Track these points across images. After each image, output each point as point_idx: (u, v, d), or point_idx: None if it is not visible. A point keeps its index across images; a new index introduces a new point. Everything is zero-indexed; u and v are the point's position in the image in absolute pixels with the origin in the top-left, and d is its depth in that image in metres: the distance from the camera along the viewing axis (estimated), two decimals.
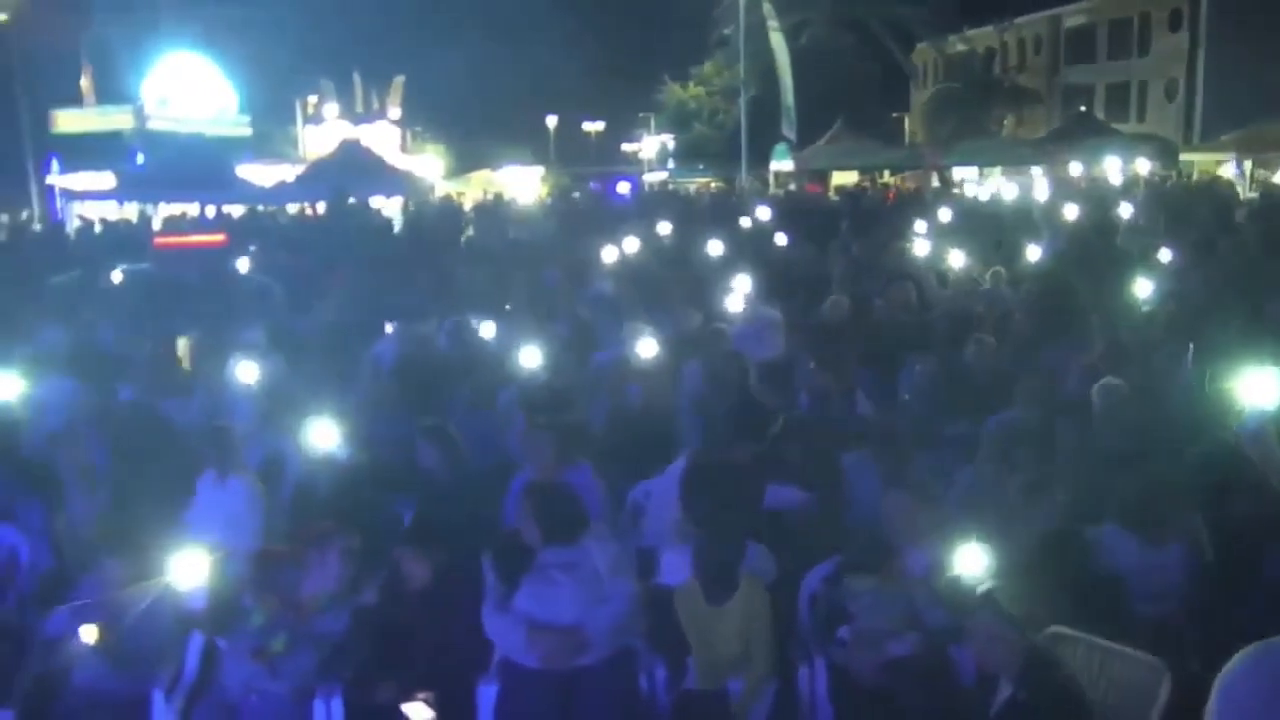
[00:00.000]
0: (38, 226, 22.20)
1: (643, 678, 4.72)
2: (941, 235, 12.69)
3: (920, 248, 11.95)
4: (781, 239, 13.07)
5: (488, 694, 4.58)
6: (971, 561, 4.13)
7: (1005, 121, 41.47)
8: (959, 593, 4.11)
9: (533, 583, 4.58)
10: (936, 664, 4.35)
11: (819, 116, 31.24)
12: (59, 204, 25.15)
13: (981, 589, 3.94)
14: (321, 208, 20.32)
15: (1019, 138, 34.43)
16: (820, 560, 4.89)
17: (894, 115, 48.38)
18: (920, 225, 13.64)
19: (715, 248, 11.69)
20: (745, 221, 15.39)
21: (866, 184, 27.09)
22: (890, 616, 4.48)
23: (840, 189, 27.10)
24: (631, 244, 12.39)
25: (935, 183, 27.26)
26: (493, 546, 4.75)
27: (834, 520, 5.43)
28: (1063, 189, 19.08)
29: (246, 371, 7.24)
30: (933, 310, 9.39)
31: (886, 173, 29.96)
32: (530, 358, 7.33)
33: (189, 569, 4.58)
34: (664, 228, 14.31)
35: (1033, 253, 11.35)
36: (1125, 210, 14.97)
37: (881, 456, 5.74)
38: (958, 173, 28.98)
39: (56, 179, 25.70)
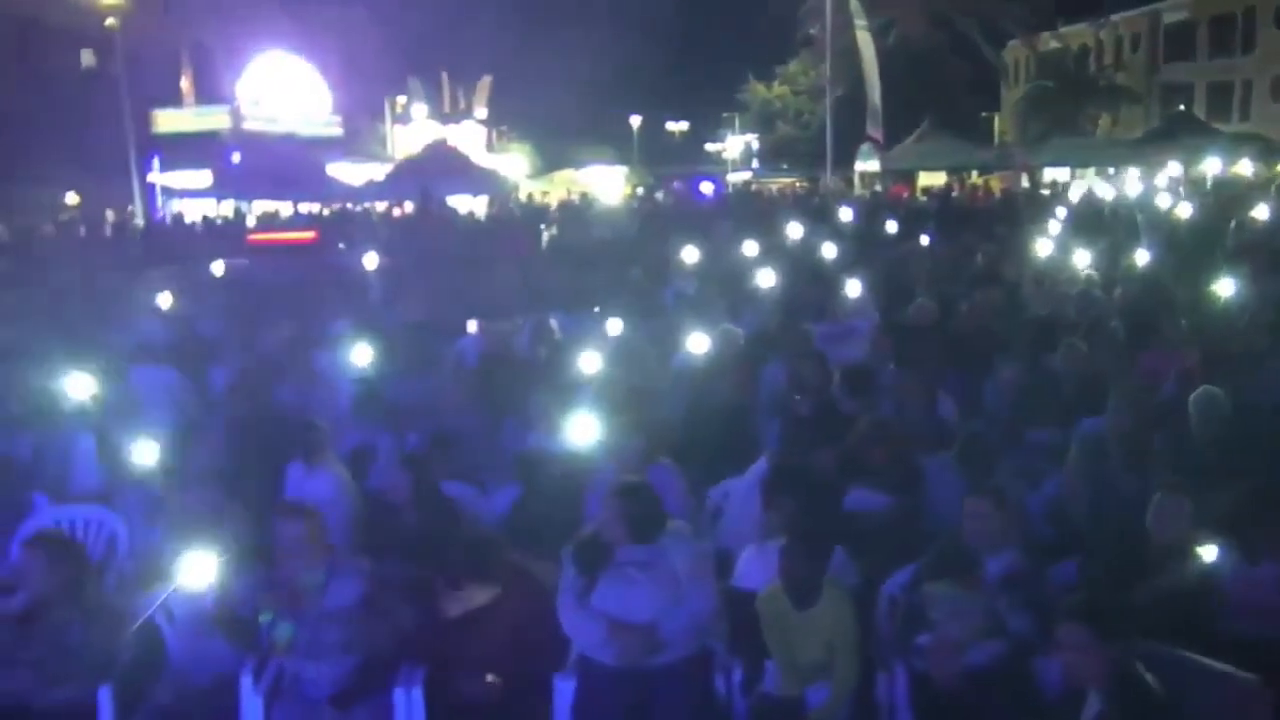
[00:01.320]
0: (139, 222, 22.99)
1: (719, 679, 4.71)
2: (1034, 237, 12.43)
3: (1011, 250, 11.72)
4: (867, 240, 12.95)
5: (565, 689, 4.61)
6: None
7: (1100, 121, 40.41)
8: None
9: (610, 580, 4.60)
10: (1019, 674, 4.25)
11: (906, 116, 30.81)
12: (159, 201, 26.04)
13: (1071, 598, 3.85)
14: (409, 206, 20.69)
15: (1114, 138, 33.52)
16: (900, 565, 4.83)
17: (983, 114, 47.48)
18: (1011, 227, 13.38)
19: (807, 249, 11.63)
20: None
21: (954, 185, 26.65)
22: (971, 624, 4.40)
23: (927, 190, 26.70)
24: (716, 244, 12.40)
25: (1025, 183, 26.70)
26: (572, 543, 4.78)
27: (915, 525, 5.36)
28: (1174, 189, 18.54)
29: (335, 364, 7.41)
30: (1022, 314, 9.20)
31: (975, 173, 29.42)
32: (611, 357, 7.37)
33: (197, 570, 4.54)
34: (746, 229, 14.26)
35: (1139, 256, 11.01)
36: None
37: (964, 461, 5.65)
38: (1049, 173, 28.33)
39: (157, 177, 26.61)
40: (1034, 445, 6.32)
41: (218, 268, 12.43)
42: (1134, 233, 13.16)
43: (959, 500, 5.02)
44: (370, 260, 12.30)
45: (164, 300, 10.26)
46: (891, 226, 14.78)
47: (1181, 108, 36.15)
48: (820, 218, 15.86)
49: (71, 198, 28.78)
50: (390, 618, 4.65)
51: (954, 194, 22.92)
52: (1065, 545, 5.24)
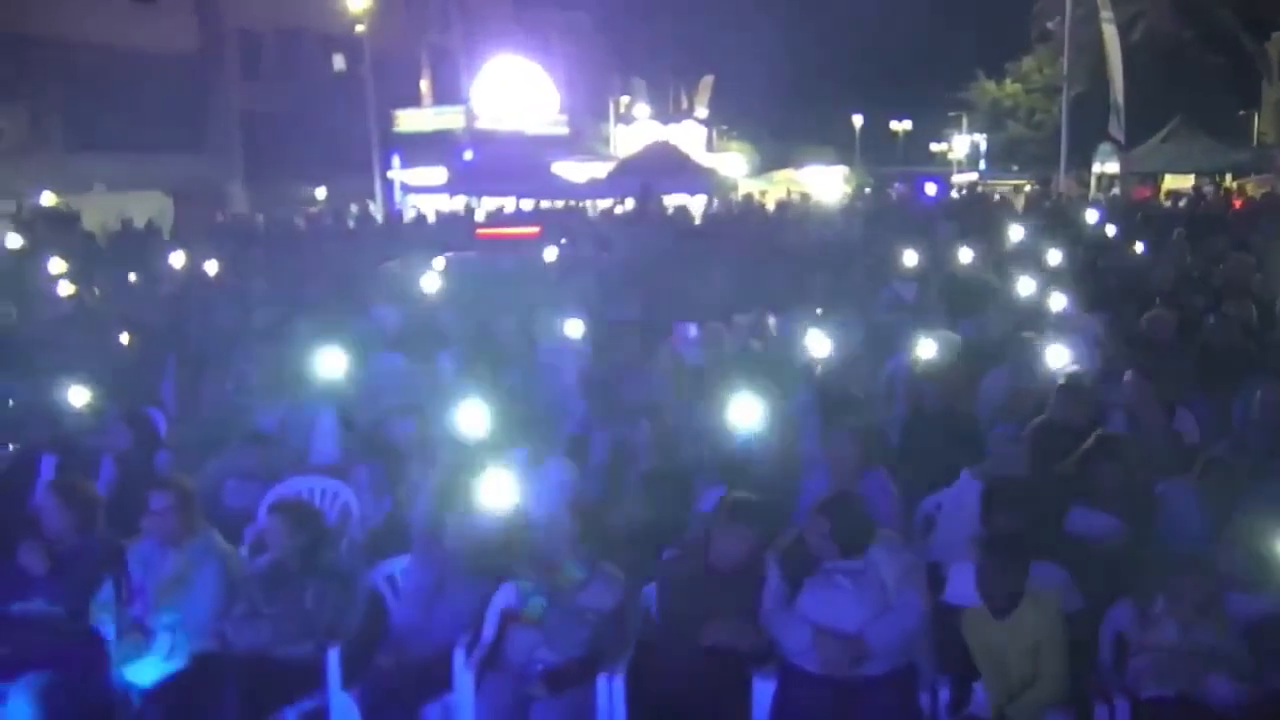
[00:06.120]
0: (378, 216, 24.47)
1: (924, 697, 4.57)
2: None
3: (1267, 260, 10.78)
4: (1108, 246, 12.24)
5: (764, 691, 4.58)
6: None
7: None
8: None
9: (817, 586, 4.54)
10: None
11: (1151, 115, 28.78)
12: (398, 196, 27.63)
13: None
14: (629, 204, 21.08)
15: None
16: (1127, 595, 4.53)
17: (1240, 113, 43.78)
18: (1267, 235, 12.29)
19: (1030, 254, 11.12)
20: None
21: (1203, 188, 24.72)
22: (1201, 660, 4.11)
23: (1172, 193, 24.91)
24: (938, 247, 12.00)
25: None
26: (780, 545, 4.75)
27: (1147, 552, 5.02)
28: None
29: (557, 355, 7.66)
30: (1277, 330, 8.47)
31: (1229, 176, 27.19)
32: (827, 358, 7.30)
33: (499, 488, 5.01)
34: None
35: None
36: None
37: (1207, 487, 5.25)
38: None
39: (397, 173, 28.24)
40: None
41: (442, 261, 13.02)
42: None
43: (1198, 529, 4.70)
44: (589, 255, 12.61)
45: (396, 289, 10.84)
46: (1133, 232, 13.89)
47: None
48: (1055, 221, 15.07)
49: (320, 192, 30.95)
50: (625, 626, 4.80)
51: (1206, 198, 21.23)
52: None
